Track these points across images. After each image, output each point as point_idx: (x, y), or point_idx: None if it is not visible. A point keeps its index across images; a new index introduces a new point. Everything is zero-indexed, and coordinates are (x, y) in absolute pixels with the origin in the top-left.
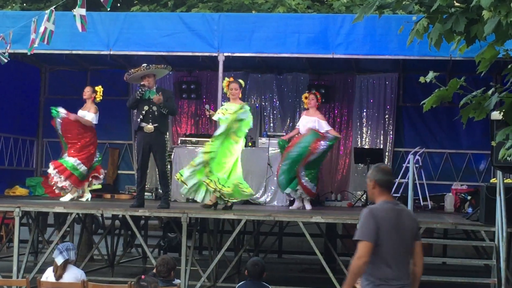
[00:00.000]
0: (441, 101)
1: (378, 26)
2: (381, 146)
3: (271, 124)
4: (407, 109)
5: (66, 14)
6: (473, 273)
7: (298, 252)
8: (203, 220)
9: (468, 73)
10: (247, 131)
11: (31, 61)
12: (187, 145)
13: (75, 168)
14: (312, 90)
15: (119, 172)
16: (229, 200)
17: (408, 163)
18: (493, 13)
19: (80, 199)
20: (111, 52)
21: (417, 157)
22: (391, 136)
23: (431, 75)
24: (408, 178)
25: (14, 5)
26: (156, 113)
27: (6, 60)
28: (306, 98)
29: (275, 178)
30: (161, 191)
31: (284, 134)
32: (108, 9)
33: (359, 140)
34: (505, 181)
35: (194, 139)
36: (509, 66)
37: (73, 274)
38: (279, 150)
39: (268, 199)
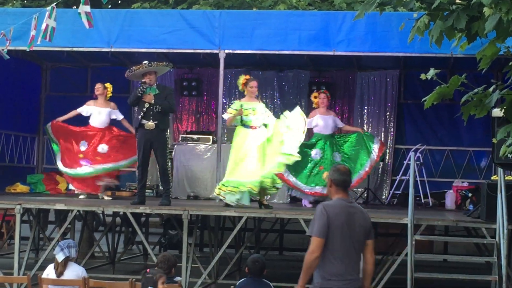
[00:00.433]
0: (442, 98)
1: (379, 23)
2: None
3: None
4: (408, 106)
5: (67, 11)
6: (474, 270)
7: (299, 249)
8: (204, 217)
9: (469, 70)
10: None
11: (32, 58)
12: (188, 142)
13: None
14: (321, 89)
15: None
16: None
17: (409, 160)
18: (494, 10)
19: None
20: (112, 49)
21: (418, 154)
22: (392, 133)
23: (432, 72)
24: (409, 175)
25: (15, 2)
26: (156, 110)
27: (7, 57)
28: (315, 97)
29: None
30: (162, 188)
31: None
32: (104, 3)
33: None
34: (506, 178)
35: (195, 136)
36: (510, 63)
37: (74, 271)
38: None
39: (268, 197)
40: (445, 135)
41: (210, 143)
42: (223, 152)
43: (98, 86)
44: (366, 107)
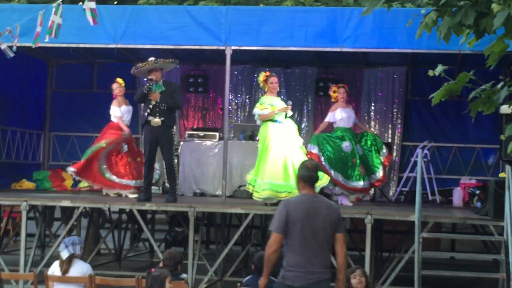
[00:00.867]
0: (449, 95)
1: (386, 19)
2: (389, 140)
3: None
4: (415, 103)
5: (73, 8)
6: (481, 267)
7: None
8: (210, 214)
9: (477, 67)
10: None
11: (38, 55)
12: (194, 138)
13: None
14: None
15: None
16: None
17: (416, 157)
18: (503, 6)
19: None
20: (118, 46)
21: (425, 151)
22: (399, 130)
23: (439, 68)
24: (416, 172)
25: None
26: (163, 107)
27: (12, 55)
28: (334, 92)
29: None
30: (168, 185)
31: None
32: None
33: None
34: None
35: (201, 133)
36: None
37: (79, 269)
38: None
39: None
40: (453, 132)
41: (216, 140)
42: (229, 149)
43: (116, 86)
44: (373, 104)
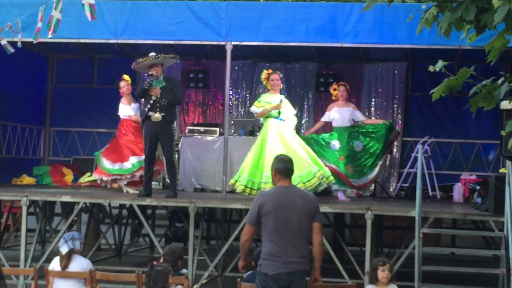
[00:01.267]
0: (450, 90)
1: (387, 14)
2: None
3: None
4: (416, 99)
5: (73, 3)
6: (481, 263)
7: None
8: (211, 209)
9: (478, 62)
10: None
11: (38, 50)
12: (195, 134)
13: None
14: (329, 81)
15: None
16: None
17: (417, 152)
18: (503, 1)
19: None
20: (118, 41)
21: (425, 146)
22: (399, 125)
23: (440, 64)
24: (416, 168)
25: None
26: (163, 102)
27: (12, 50)
28: (334, 90)
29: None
30: (168, 181)
31: None
32: None
33: None
34: None
35: (201, 128)
36: None
37: (79, 264)
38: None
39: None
40: (453, 127)
41: (217, 135)
42: (230, 144)
43: (124, 84)
44: (373, 99)
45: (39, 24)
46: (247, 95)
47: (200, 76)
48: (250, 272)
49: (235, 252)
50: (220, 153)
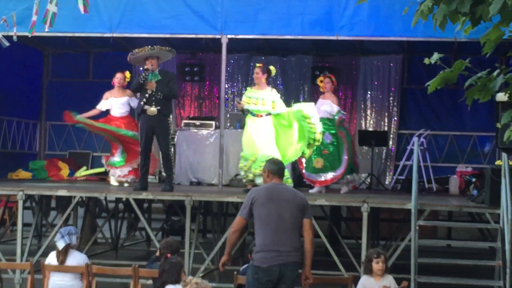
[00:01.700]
0: (445, 82)
1: (382, 7)
2: (386, 128)
3: None
4: (411, 91)
5: None
6: (478, 255)
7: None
8: (207, 203)
9: (473, 55)
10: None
11: (34, 44)
12: (191, 127)
13: None
14: (326, 73)
15: None
16: None
17: (413, 145)
18: None
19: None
20: (114, 35)
21: (421, 139)
22: (395, 118)
23: (435, 56)
24: (412, 161)
25: None
26: (159, 96)
27: (7, 44)
28: (321, 81)
29: None
30: (164, 174)
31: None
32: None
33: (363, 123)
34: (510, 163)
35: (197, 122)
36: None
37: (76, 259)
38: None
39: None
40: (449, 120)
41: (212, 128)
42: (225, 138)
43: (119, 75)
44: (369, 92)
45: (34, 18)
46: (243, 89)
47: (195, 69)
48: (246, 265)
49: None
50: (216, 146)
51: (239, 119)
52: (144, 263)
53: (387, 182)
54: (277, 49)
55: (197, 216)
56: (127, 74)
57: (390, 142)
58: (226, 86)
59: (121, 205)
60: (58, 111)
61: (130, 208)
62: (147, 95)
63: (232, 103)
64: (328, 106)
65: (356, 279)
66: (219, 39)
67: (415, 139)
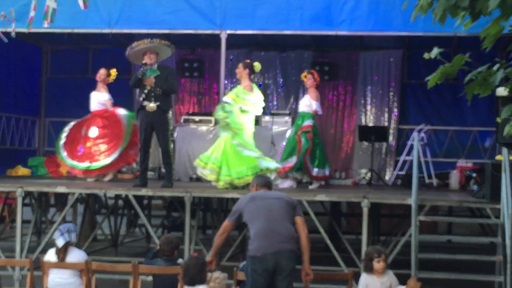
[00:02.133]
0: (445, 77)
1: (382, 2)
2: (386, 124)
3: (275, 102)
4: (411, 86)
5: None
6: (478, 250)
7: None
8: (207, 199)
9: (473, 49)
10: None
11: (32, 41)
12: (190, 123)
13: None
14: (309, 69)
15: None
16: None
17: (413, 140)
18: None
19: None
20: (113, 31)
21: (422, 134)
22: (395, 113)
23: (435, 51)
24: (413, 156)
25: None
26: (158, 91)
27: (6, 40)
28: (305, 77)
29: (279, 157)
30: (164, 171)
31: (288, 112)
32: None
33: (363, 118)
34: (510, 158)
35: (197, 118)
36: None
37: (75, 256)
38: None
39: (272, 177)
40: (449, 115)
41: (212, 124)
42: None
43: (102, 72)
44: (369, 87)
45: (32, 14)
46: None
47: (195, 65)
48: (246, 261)
49: (231, 241)
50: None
51: None
52: None
53: (387, 178)
54: (277, 45)
55: (197, 212)
56: (113, 71)
57: (390, 138)
58: (226, 82)
59: (120, 202)
60: (57, 107)
61: (129, 205)
62: (146, 91)
63: None
64: (307, 101)
65: (356, 275)
66: (218, 35)
67: (415, 134)
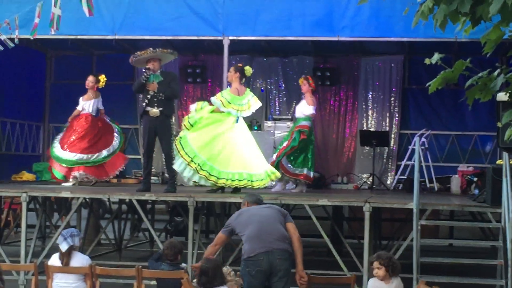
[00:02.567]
0: (446, 83)
1: (383, 8)
2: (387, 129)
3: (277, 108)
4: (412, 91)
5: None
6: (479, 254)
7: (304, 235)
8: (210, 203)
9: (474, 55)
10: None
11: (36, 47)
12: None
13: None
14: (310, 75)
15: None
16: None
17: (414, 145)
18: None
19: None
20: (116, 37)
21: (423, 139)
22: (396, 118)
23: (436, 56)
24: (414, 160)
25: None
26: (161, 97)
27: (12, 45)
28: (301, 83)
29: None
30: (167, 175)
31: (290, 117)
32: None
33: (364, 123)
34: (511, 162)
35: None
36: None
37: (79, 261)
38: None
39: (273, 182)
40: (450, 119)
41: None
42: None
43: (90, 78)
44: (370, 93)
45: (36, 20)
46: None
47: (198, 71)
48: None
49: (234, 245)
50: None
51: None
52: None
53: (388, 182)
54: (279, 50)
55: (200, 217)
56: (102, 77)
57: (392, 142)
58: (228, 87)
59: (124, 206)
60: (61, 113)
61: (133, 209)
62: (149, 96)
63: None
64: (302, 106)
65: (358, 279)
66: (221, 41)
67: (416, 139)
